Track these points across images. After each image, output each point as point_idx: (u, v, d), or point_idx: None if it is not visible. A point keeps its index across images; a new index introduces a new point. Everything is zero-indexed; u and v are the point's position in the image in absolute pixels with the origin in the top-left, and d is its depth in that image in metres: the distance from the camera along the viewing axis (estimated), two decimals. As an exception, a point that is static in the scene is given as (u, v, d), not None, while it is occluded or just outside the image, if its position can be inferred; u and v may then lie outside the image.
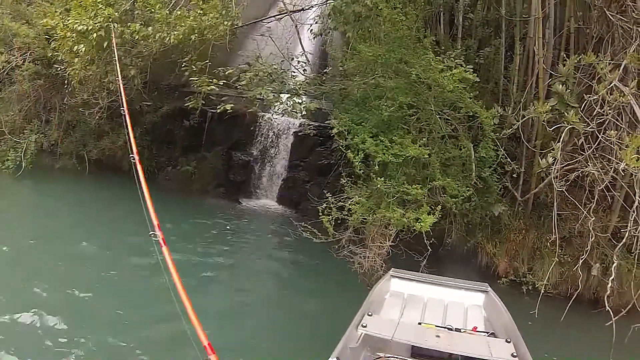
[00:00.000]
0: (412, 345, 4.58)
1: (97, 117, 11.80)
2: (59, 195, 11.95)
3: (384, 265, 7.85)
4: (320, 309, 7.95)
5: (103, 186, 12.72)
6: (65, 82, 11.41)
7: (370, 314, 4.99)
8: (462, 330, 4.96)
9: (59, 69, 11.30)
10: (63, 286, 7.40)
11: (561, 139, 7.27)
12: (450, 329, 4.90)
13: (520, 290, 8.28)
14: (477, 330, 5.02)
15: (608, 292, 6.58)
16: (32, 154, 12.27)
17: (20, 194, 11.88)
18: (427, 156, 8.05)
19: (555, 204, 7.55)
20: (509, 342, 4.49)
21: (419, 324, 5.07)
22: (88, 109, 11.82)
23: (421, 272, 7.62)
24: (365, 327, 4.62)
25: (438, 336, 4.52)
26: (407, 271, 6.45)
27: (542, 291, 7.47)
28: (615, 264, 6.81)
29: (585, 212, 7.40)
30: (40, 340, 6.06)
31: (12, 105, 12.75)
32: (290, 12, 10.93)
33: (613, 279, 6.68)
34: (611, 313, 6.39)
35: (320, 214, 7.97)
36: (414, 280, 6.25)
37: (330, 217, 7.91)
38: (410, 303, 5.76)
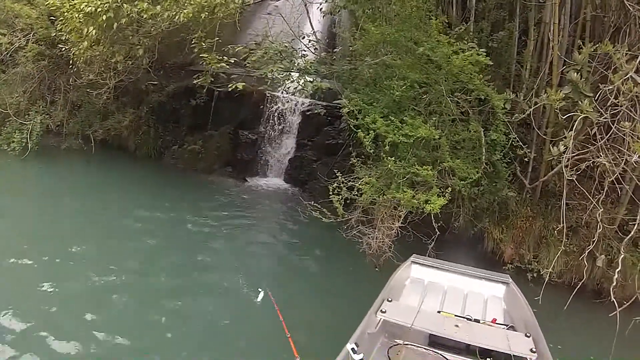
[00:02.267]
0: (430, 334, 4.60)
1: (104, 98, 11.69)
2: (65, 176, 12.06)
3: (392, 246, 7.93)
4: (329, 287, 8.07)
5: (109, 166, 12.90)
6: (70, 62, 11.29)
7: (389, 299, 4.99)
8: (481, 322, 4.94)
9: (63, 49, 11.18)
10: (53, 268, 7.39)
11: (574, 128, 7.22)
12: (470, 320, 4.89)
13: (525, 278, 8.29)
14: (496, 322, 5.02)
15: (614, 284, 6.61)
16: (38, 135, 12.24)
17: (27, 176, 11.85)
18: (438, 138, 8.00)
19: (564, 193, 7.51)
20: (528, 336, 4.47)
21: (438, 312, 5.09)
22: (94, 89, 11.74)
23: (428, 254, 7.70)
24: (384, 312, 4.66)
25: (457, 326, 4.55)
26: (428, 258, 6.50)
27: (547, 279, 7.46)
28: (622, 256, 6.83)
29: (594, 203, 7.39)
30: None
31: (17, 87, 12.68)
32: (300, -10, 10.72)
33: (619, 271, 6.72)
34: (616, 304, 6.38)
35: (331, 193, 7.98)
36: (435, 267, 6.24)
37: (340, 197, 7.94)
38: (430, 291, 5.77)
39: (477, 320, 4.94)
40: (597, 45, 7.33)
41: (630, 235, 6.99)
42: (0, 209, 9.38)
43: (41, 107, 12.60)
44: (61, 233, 8.68)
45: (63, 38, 10.79)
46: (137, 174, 12.70)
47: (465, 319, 4.89)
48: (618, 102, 6.90)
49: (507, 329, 4.90)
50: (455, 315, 4.98)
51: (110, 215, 9.86)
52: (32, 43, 12.38)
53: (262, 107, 12.94)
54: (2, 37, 12.28)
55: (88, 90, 12.02)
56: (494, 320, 5.05)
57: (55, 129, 13.06)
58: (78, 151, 13.14)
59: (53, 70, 12.88)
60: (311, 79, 9.93)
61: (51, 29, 11.67)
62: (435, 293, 5.72)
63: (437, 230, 7.97)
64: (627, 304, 6.57)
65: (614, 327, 6.29)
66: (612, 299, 6.41)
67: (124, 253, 8.19)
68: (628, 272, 7.68)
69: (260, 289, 6.69)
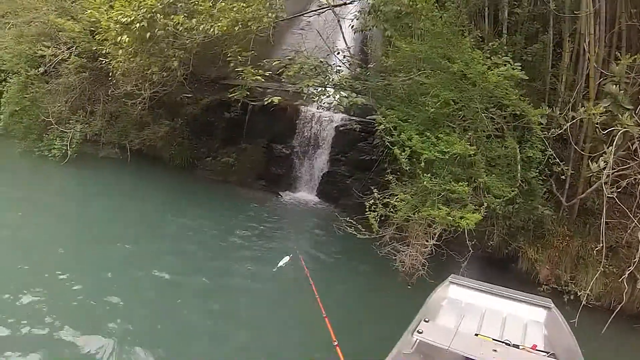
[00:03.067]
0: (467, 357, 4.47)
1: (139, 108, 12.00)
2: (102, 183, 12.43)
3: (426, 264, 7.87)
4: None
5: (144, 175, 13.19)
6: (109, 74, 11.64)
7: (426, 320, 4.90)
8: (520, 347, 4.79)
9: (103, 62, 11.50)
10: (93, 268, 7.91)
11: (614, 143, 6.97)
12: (508, 344, 4.75)
13: (561, 300, 7.99)
14: (536, 348, 4.83)
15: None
16: (77, 143, 12.71)
17: (66, 181, 12.31)
18: (473, 154, 7.94)
19: (604, 211, 7.23)
20: None
21: (476, 335, 4.95)
22: (131, 100, 12.06)
23: (461, 273, 7.53)
24: (421, 333, 4.57)
25: (495, 350, 4.41)
26: (466, 278, 6.34)
27: (584, 301, 7.21)
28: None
29: (635, 222, 7.10)
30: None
31: (59, 96, 13.14)
32: (333, 6, 10.78)
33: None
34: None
35: (367, 210, 7.97)
36: (473, 288, 6.10)
37: (376, 213, 7.91)
38: (468, 312, 5.63)
39: (516, 346, 4.79)
40: (635, 56, 7.11)
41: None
42: (41, 211, 9.95)
43: (81, 116, 13.07)
44: (98, 235, 9.21)
45: (103, 52, 11.13)
46: (171, 183, 12.95)
47: (503, 344, 4.75)
48: (660, 115, 6.67)
49: (548, 356, 4.72)
50: (493, 339, 4.84)
51: (145, 221, 10.35)
52: (75, 56, 12.85)
53: (296, 121, 12.98)
54: (46, 50, 12.76)
55: (125, 101, 12.33)
56: (534, 347, 4.85)
57: (94, 138, 13.50)
58: (114, 160, 13.61)
59: (93, 82, 13.33)
60: (346, 95, 9.95)
61: (92, 43, 12.06)
62: (473, 315, 5.57)
63: (470, 248, 7.84)
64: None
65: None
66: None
67: (158, 256, 8.58)
68: (671, 294, 7.31)
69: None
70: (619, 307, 7.08)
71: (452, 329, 4.83)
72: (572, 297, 8.00)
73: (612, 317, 6.89)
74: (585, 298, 7.21)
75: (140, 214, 10.68)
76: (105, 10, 10.70)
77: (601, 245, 7.28)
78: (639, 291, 7.66)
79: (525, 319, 5.63)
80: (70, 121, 12.80)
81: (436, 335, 4.58)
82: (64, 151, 12.41)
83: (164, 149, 13.62)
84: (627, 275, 6.89)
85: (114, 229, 9.61)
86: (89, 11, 11.05)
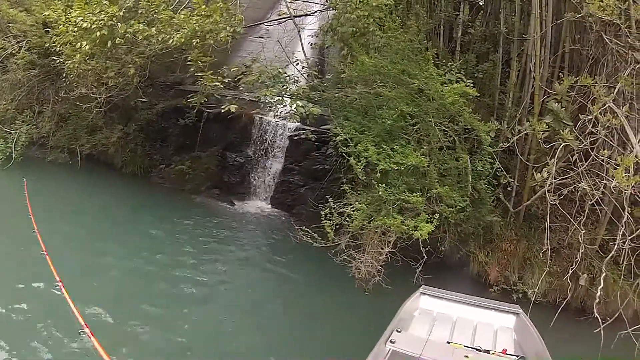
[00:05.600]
0: None
1: (94, 112, 11.61)
2: (48, 190, 11.67)
3: (382, 270, 8.07)
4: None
5: (94, 182, 12.73)
6: (61, 73, 11.18)
7: (399, 330, 5.04)
8: (491, 352, 4.96)
9: (56, 60, 11.01)
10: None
11: (556, 155, 7.60)
12: (479, 350, 4.93)
13: (510, 299, 8.39)
14: (506, 353, 5.03)
15: (597, 301, 6.89)
16: (23, 145, 12.13)
17: (8, 186, 11.51)
18: (426, 165, 8.25)
19: (547, 216, 7.84)
20: None
21: (448, 343, 5.13)
22: (84, 103, 11.67)
23: (416, 279, 7.82)
24: (393, 343, 4.71)
25: (466, 357, 4.57)
26: (437, 289, 6.51)
27: (532, 299, 7.69)
28: (603, 275, 7.14)
29: (575, 225, 7.72)
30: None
31: (5, 94, 12.54)
32: (294, 16, 11.01)
33: (601, 289, 7.01)
34: (599, 320, 6.66)
35: (323, 218, 8.10)
36: (444, 298, 6.30)
37: (332, 222, 8.06)
38: (440, 321, 5.81)
39: (487, 351, 4.98)
40: (577, 78, 7.82)
41: (610, 255, 7.32)
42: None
43: (28, 116, 12.49)
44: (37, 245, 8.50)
45: (57, 50, 10.63)
46: (123, 192, 12.58)
47: (475, 350, 4.94)
48: (596, 131, 7.34)
49: (518, 359, 4.95)
50: (465, 346, 5.03)
51: (94, 232, 9.85)
52: (25, 50, 12.28)
53: (251, 129, 13.02)
54: (-6, 42, 12.15)
55: (77, 103, 11.90)
56: (504, 351, 5.06)
57: (41, 141, 12.91)
58: (63, 165, 12.96)
59: (43, 80, 12.78)
60: (302, 104, 10.11)
61: (45, 38, 11.51)
62: (444, 324, 5.76)
63: (424, 254, 8.06)
64: (611, 320, 6.85)
65: (600, 341, 6.53)
66: (596, 315, 6.67)
67: (107, 269, 8.26)
68: (610, 289, 7.90)
69: None
70: (564, 303, 7.56)
71: (424, 338, 4.94)
72: (520, 295, 8.44)
73: (558, 312, 7.36)
74: (533, 296, 7.73)
75: (89, 224, 10.16)
76: (62, 9, 10.35)
77: (546, 247, 7.82)
78: (582, 287, 8.18)
79: (496, 325, 5.88)
80: (16, 121, 12.23)
81: (408, 345, 4.71)
82: (7, 154, 11.84)
83: (117, 155, 13.27)
84: (570, 273, 7.42)
85: (58, 239, 8.89)
86: (46, 12, 10.62)
